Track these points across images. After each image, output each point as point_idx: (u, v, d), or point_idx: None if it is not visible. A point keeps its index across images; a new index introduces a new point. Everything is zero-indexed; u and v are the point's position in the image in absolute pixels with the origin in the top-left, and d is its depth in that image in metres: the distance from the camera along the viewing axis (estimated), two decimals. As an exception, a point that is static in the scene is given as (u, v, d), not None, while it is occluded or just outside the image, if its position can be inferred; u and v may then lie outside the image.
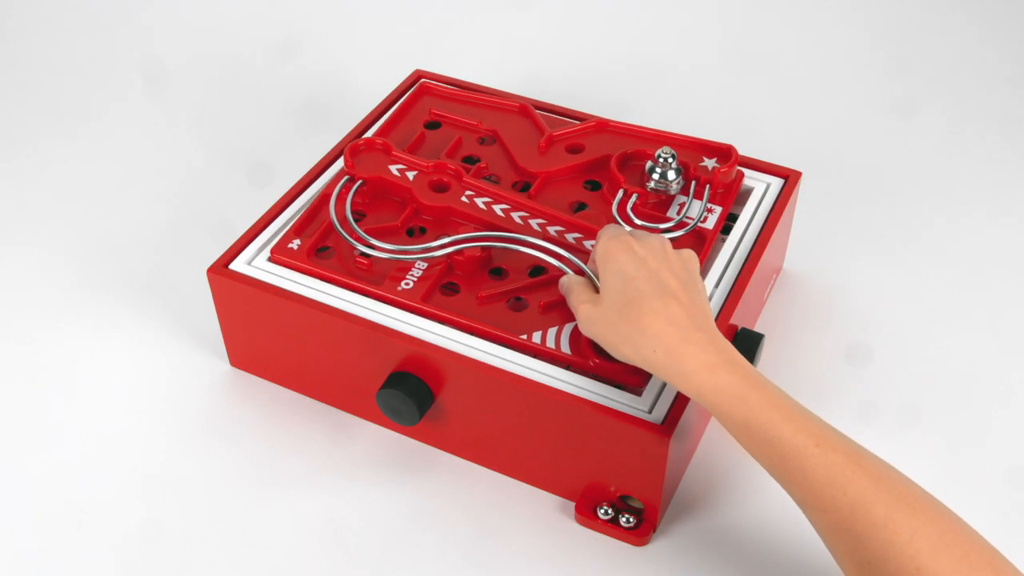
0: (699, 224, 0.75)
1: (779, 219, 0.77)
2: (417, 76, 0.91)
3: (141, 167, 0.99)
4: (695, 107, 1.06)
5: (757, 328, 0.82)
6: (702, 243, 0.75)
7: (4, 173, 0.98)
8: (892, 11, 1.19)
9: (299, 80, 1.10)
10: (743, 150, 0.87)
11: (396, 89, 0.89)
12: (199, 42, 1.15)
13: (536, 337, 0.68)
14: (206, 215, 0.93)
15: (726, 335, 0.70)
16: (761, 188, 0.80)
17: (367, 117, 0.86)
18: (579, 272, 0.71)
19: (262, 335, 0.75)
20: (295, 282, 0.72)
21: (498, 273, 0.73)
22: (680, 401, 0.64)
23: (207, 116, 1.05)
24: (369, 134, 0.83)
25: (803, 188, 0.87)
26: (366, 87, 1.05)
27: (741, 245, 0.76)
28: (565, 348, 0.67)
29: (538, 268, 0.73)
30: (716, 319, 0.70)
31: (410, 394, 0.68)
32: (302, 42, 1.14)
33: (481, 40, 1.15)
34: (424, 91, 0.88)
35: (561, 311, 0.70)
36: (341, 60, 1.12)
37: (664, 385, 0.66)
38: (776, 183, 0.81)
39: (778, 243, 0.81)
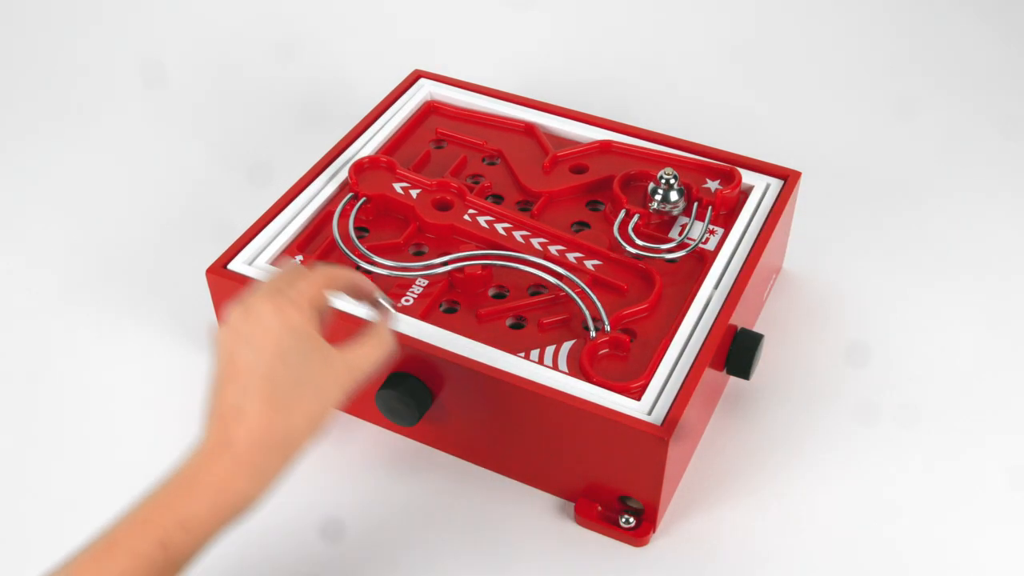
0: (700, 245, 0.75)
1: (779, 219, 0.77)
2: (416, 76, 0.91)
3: (141, 167, 0.99)
4: (695, 107, 1.06)
5: (757, 328, 0.82)
6: (703, 264, 0.75)
7: (4, 173, 0.98)
8: (892, 11, 1.19)
9: (299, 80, 1.10)
10: (743, 150, 0.87)
11: (396, 89, 0.90)
12: (199, 42, 1.15)
13: (535, 355, 0.68)
14: (206, 215, 0.93)
15: (726, 335, 0.70)
16: (761, 188, 0.80)
17: (366, 117, 0.86)
18: (580, 293, 0.71)
19: (262, 335, 0.75)
20: (295, 282, 0.72)
21: (498, 291, 0.73)
22: (679, 402, 0.64)
23: (207, 116, 1.05)
24: (372, 145, 0.84)
25: (803, 188, 0.87)
26: (366, 87, 1.05)
27: (741, 245, 0.76)
28: (564, 367, 0.68)
29: (538, 287, 0.73)
30: (716, 319, 0.70)
31: (410, 395, 0.68)
32: (302, 42, 1.14)
33: (480, 40, 1.15)
34: (431, 110, 0.89)
35: (560, 330, 0.70)
36: (341, 60, 1.12)
37: (663, 387, 0.66)
38: (776, 183, 0.81)
39: (778, 243, 0.81)
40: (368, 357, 0.59)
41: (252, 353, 0.55)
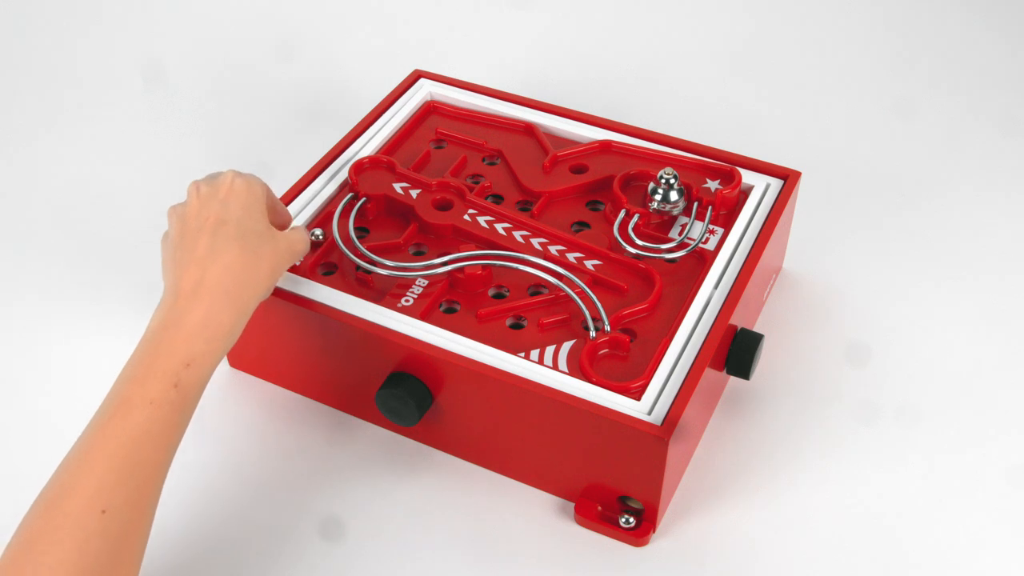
0: (700, 245, 0.75)
1: (778, 219, 0.77)
2: (416, 76, 0.91)
3: (141, 168, 0.99)
4: (695, 107, 1.06)
5: (757, 328, 0.82)
6: (703, 264, 0.75)
7: (3, 173, 0.99)
8: (893, 11, 1.19)
9: (299, 80, 1.10)
10: (743, 150, 0.87)
11: (396, 89, 0.90)
12: (199, 42, 1.15)
13: (535, 355, 0.68)
14: (206, 215, 0.93)
15: (726, 335, 0.70)
16: (760, 188, 0.80)
17: (366, 117, 0.86)
18: (580, 294, 0.71)
19: (261, 336, 0.75)
20: (293, 283, 0.72)
21: (498, 291, 0.73)
22: (679, 402, 0.64)
23: (207, 116, 1.05)
24: (372, 145, 0.84)
25: (803, 188, 0.87)
26: (366, 87, 1.05)
27: (741, 245, 0.76)
28: (564, 367, 0.68)
29: (538, 287, 0.73)
30: (716, 319, 0.70)
31: (409, 394, 0.68)
32: (302, 42, 1.14)
33: (480, 40, 1.15)
34: (431, 109, 0.89)
35: (560, 330, 0.70)
36: (341, 60, 1.12)
37: (663, 387, 0.66)
38: (776, 183, 0.81)
39: (777, 243, 0.81)
40: (300, 241, 0.68)
41: (223, 207, 0.63)
